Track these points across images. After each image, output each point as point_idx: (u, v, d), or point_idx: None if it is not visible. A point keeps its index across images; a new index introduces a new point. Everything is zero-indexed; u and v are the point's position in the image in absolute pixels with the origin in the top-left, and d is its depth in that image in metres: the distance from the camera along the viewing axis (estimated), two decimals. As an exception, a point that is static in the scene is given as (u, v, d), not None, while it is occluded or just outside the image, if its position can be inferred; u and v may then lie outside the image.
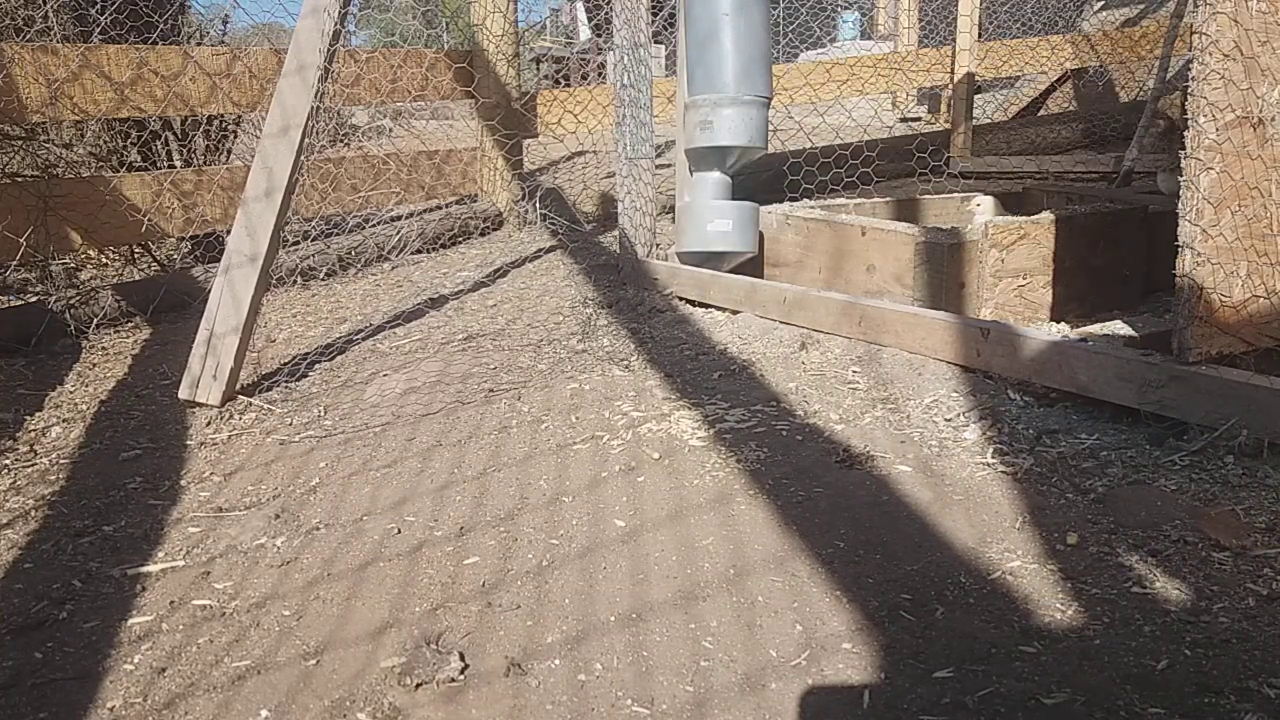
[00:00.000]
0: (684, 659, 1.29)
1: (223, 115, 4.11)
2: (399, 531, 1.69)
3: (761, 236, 3.11)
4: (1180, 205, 1.75)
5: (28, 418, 2.39)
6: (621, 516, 1.67)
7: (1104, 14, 7.11)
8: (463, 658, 1.31)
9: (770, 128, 3.13)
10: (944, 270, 2.56)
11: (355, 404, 2.33)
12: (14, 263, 3.02)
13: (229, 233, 2.46)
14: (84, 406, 2.47)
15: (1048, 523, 1.56)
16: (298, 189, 2.48)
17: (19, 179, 3.34)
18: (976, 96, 6.12)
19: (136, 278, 3.69)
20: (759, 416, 2.03)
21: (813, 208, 3.20)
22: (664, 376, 2.32)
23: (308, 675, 1.32)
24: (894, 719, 1.16)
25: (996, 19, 6.69)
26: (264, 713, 1.25)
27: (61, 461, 2.13)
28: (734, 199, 3.05)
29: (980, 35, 5.87)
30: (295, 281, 3.56)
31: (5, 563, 1.69)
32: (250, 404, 2.36)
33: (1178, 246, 1.76)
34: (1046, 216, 2.67)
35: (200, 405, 2.36)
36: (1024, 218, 2.66)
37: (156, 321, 3.24)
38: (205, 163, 4.19)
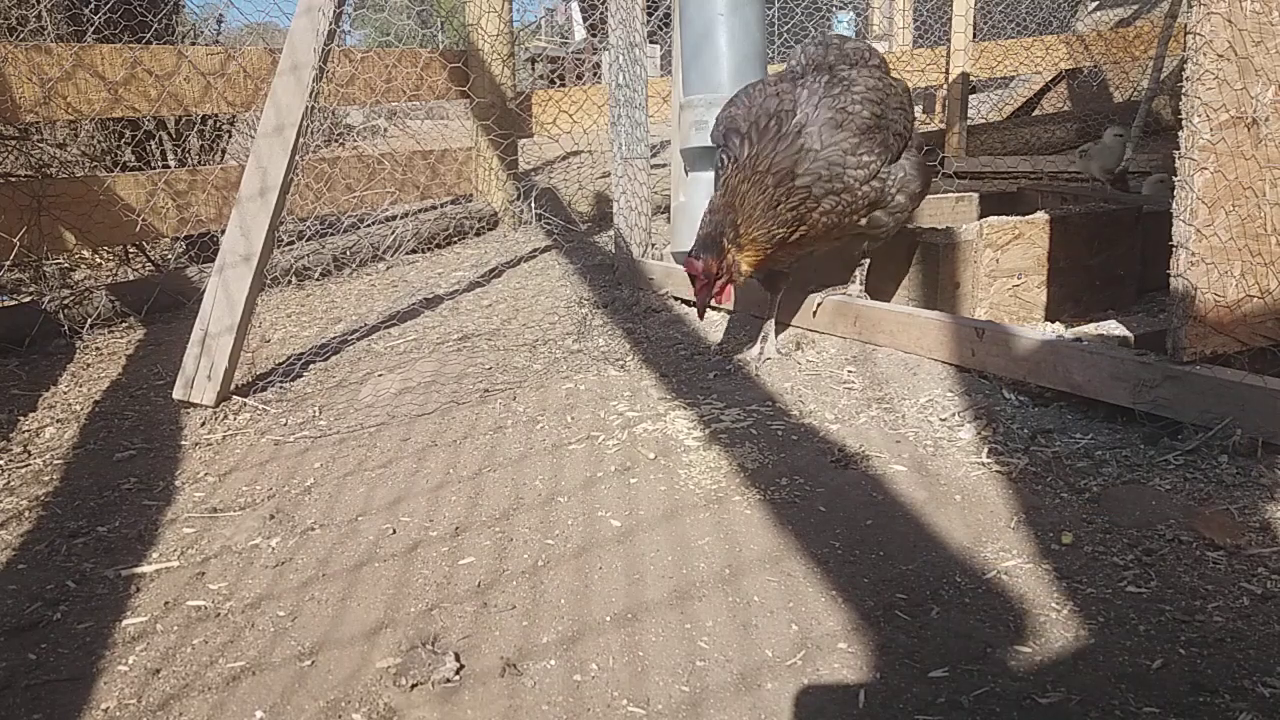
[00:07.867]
0: (679, 659, 1.29)
1: (217, 115, 4.10)
2: (394, 532, 1.69)
3: (757, 236, 3.11)
4: (1174, 205, 1.75)
5: (21, 418, 2.38)
6: (617, 516, 1.67)
7: (1098, 14, 7.13)
8: (458, 658, 1.31)
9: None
10: (939, 270, 2.56)
11: (350, 404, 2.33)
12: (8, 263, 3.01)
13: (223, 232, 2.46)
14: (78, 407, 2.46)
15: (1043, 522, 1.56)
16: (292, 189, 2.48)
17: (12, 179, 3.33)
18: (971, 97, 6.13)
19: (131, 278, 3.68)
20: (754, 416, 2.03)
21: (808, 208, 3.19)
22: (659, 376, 2.32)
23: (302, 676, 1.32)
24: (890, 718, 1.16)
25: (991, 19, 6.70)
26: (259, 713, 1.25)
27: (55, 462, 2.12)
28: (729, 199, 3.04)
29: (975, 35, 5.88)
30: (290, 281, 3.55)
31: (-1, 564, 1.69)
32: (245, 404, 2.36)
33: (1172, 246, 1.77)
34: (1041, 216, 2.67)
35: (195, 405, 2.36)
36: (1019, 217, 2.66)
37: (151, 322, 3.23)
38: (199, 162, 4.18)
